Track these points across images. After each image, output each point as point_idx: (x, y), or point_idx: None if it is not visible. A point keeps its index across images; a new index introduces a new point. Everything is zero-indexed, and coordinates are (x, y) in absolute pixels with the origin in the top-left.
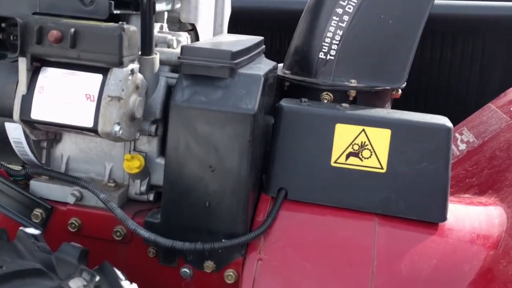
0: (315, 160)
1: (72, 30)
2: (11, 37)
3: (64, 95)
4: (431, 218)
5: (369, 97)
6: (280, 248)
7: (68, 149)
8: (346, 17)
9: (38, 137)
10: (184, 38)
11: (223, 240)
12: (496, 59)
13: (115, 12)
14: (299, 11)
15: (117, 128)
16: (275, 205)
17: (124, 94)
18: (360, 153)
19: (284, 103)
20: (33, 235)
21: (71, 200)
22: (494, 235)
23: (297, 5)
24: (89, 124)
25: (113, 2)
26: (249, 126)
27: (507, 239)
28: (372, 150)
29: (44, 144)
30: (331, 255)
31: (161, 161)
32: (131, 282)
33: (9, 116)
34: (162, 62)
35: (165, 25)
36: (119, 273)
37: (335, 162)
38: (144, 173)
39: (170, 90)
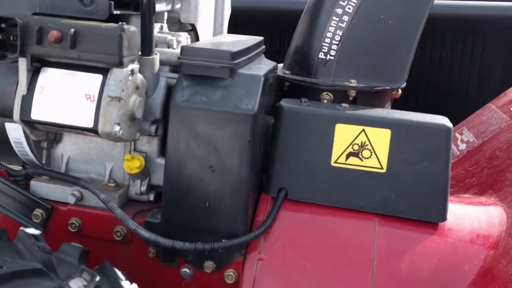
0: (315, 160)
1: (72, 30)
2: (11, 38)
3: (64, 96)
4: (431, 218)
5: (369, 97)
6: (280, 248)
7: (68, 149)
8: (346, 17)
9: (38, 137)
10: (184, 38)
11: (223, 240)
12: (496, 59)
13: (115, 12)
14: (299, 11)
15: (117, 128)
16: (275, 205)
17: (124, 94)
18: (360, 153)
19: (284, 103)
20: (34, 235)
21: (71, 200)
22: (494, 235)
23: (297, 5)
24: (89, 124)
25: (113, 3)
26: (249, 126)
27: (507, 239)
28: (372, 150)
29: (44, 144)
30: (331, 255)
31: (161, 161)
32: (131, 282)
33: (9, 116)
34: (162, 62)
35: (165, 25)
36: (119, 273)
37: (335, 162)
38: (144, 173)
39: (170, 90)
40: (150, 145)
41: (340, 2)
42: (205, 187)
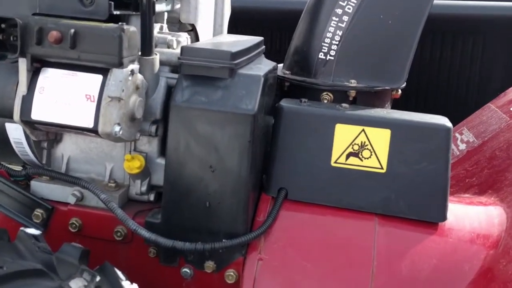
0: (315, 160)
1: (72, 30)
2: (11, 38)
3: (64, 96)
4: (431, 218)
5: (369, 97)
6: (280, 248)
7: (68, 149)
8: (345, 18)
9: (39, 137)
10: (184, 38)
11: (223, 240)
12: (496, 58)
13: (115, 12)
14: (299, 11)
15: (117, 128)
16: (276, 205)
17: (124, 94)
18: (360, 153)
19: (284, 103)
20: (34, 236)
21: (71, 200)
22: (494, 235)
23: (297, 5)
24: (90, 124)
25: (113, 3)
26: (249, 127)
27: (507, 239)
28: (372, 150)
29: (45, 144)
30: (331, 255)
31: (161, 161)
32: (131, 282)
33: (9, 116)
34: (162, 63)
35: (165, 25)
36: (119, 273)
37: (335, 162)
38: (145, 173)
39: (170, 91)
40: (150, 145)
41: (340, 2)
42: (205, 187)
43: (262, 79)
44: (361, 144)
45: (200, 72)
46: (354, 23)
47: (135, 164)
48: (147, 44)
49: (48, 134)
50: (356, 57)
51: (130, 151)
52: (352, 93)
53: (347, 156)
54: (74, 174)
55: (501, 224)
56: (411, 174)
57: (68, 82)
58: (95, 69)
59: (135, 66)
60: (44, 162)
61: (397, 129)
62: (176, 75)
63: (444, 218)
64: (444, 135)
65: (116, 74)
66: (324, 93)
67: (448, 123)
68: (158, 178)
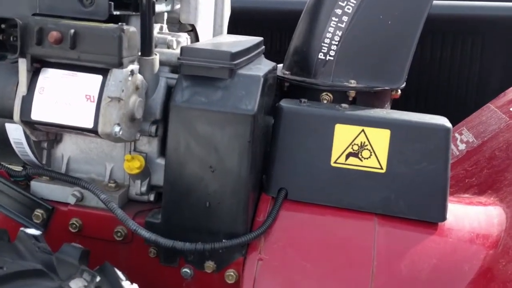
0: (315, 160)
1: (72, 31)
2: (11, 38)
3: (64, 96)
4: (431, 218)
5: (368, 98)
6: (280, 248)
7: (68, 149)
8: (345, 18)
9: (39, 137)
10: (184, 39)
11: (223, 240)
12: (496, 59)
13: (114, 13)
14: (299, 11)
15: (117, 128)
16: (275, 205)
17: (124, 95)
18: (360, 153)
19: (284, 103)
20: (34, 236)
21: (71, 200)
22: (494, 235)
23: (297, 5)
24: (89, 124)
25: (112, 3)
26: (249, 127)
27: (506, 239)
28: (371, 150)
29: (45, 144)
30: (331, 255)
31: (161, 161)
32: (132, 283)
33: (9, 117)
34: (162, 63)
35: (165, 26)
36: (120, 273)
37: (335, 162)
38: (145, 173)
39: (170, 91)
40: (150, 146)
41: (339, 3)
42: (205, 187)
43: (262, 80)
44: (361, 144)
45: (200, 72)
46: (354, 24)
47: (135, 164)
48: (147, 45)
49: (48, 135)
50: (356, 58)
51: (130, 151)
52: (352, 93)
53: (347, 156)
54: (74, 174)
55: (501, 224)
56: (411, 174)
57: (68, 82)
58: (95, 70)
59: (135, 67)
60: (44, 162)
61: (397, 129)
62: (176, 76)
63: (443, 218)
64: (443, 135)
65: (116, 75)
66: (324, 93)
67: (448, 123)
68: (158, 178)
